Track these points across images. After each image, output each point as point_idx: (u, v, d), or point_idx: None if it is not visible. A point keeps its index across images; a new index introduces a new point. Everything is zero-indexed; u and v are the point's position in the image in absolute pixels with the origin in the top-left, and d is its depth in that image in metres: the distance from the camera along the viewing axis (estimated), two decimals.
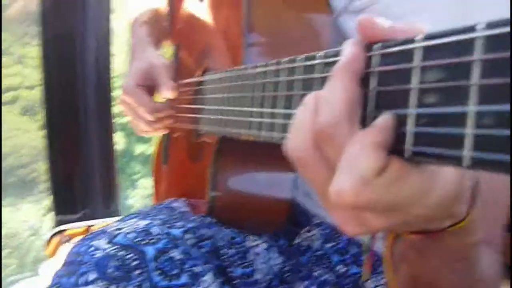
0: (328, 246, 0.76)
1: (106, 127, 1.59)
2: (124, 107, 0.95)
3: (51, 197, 1.63)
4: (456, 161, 0.28)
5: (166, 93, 0.89)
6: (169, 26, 1.09)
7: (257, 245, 0.74)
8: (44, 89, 1.55)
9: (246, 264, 0.74)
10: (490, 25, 0.26)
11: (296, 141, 0.37)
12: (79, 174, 1.59)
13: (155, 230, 0.68)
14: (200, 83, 0.82)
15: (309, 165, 0.37)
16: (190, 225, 0.72)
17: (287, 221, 0.76)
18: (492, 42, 0.26)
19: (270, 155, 0.71)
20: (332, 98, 0.35)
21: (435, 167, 0.33)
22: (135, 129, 0.98)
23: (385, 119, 0.32)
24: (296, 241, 0.79)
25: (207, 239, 0.71)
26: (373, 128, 0.33)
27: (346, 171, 0.32)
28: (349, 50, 0.35)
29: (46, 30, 1.52)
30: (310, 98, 0.37)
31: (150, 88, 0.92)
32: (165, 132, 1.03)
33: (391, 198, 0.32)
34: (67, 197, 1.62)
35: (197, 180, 0.80)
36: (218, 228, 0.74)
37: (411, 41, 0.31)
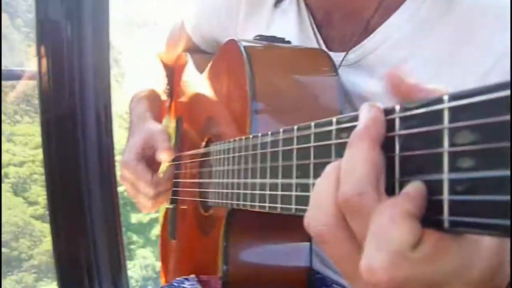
0: None
1: (110, 204, 1.55)
2: (125, 183, 0.91)
3: (56, 278, 1.57)
4: (503, 231, 0.25)
5: (164, 157, 0.85)
6: (169, 100, 1.08)
7: None
8: (46, 170, 1.53)
9: None
10: None
11: (317, 215, 0.34)
12: (85, 254, 1.54)
13: None
14: (204, 154, 0.80)
15: (332, 240, 0.34)
16: None
17: None
18: None
19: (283, 222, 0.68)
20: (354, 167, 0.32)
21: (476, 237, 0.30)
22: (138, 206, 0.94)
23: (416, 187, 0.30)
24: None
25: None
26: (403, 196, 0.30)
27: (377, 245, 0.29)
28: (366, 114, 0.33)
29: (45, 110, 1.52)
30: (330, 168, 0.35)
31: (150, 161, 0.89)
32: (168, 205, 0.99)
33: (429, 275, 0.29)
34: (73, 278, 1.56)
35: (208, 254, 0.77)
36: None
37: (439, 101, 0.29)
